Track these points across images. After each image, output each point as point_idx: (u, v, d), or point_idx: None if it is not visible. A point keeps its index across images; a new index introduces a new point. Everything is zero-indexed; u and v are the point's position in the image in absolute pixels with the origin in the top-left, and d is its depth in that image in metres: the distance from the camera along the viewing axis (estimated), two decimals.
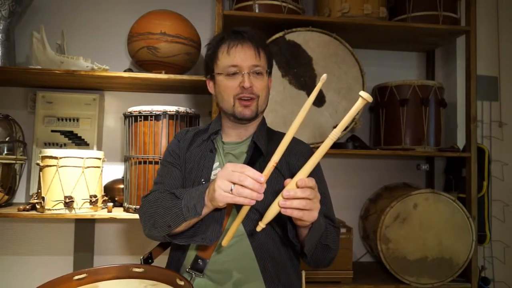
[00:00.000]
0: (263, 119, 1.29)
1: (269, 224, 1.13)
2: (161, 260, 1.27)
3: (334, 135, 0.91)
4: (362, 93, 0.87)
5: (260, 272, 1.12)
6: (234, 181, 0.92)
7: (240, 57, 1.15)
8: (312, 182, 0.93)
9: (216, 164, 1.21)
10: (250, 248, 1.12)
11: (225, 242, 0.99)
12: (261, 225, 0.95)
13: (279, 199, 0.92)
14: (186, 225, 1.06)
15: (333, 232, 1.15)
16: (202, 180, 1.18)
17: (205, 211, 1.02)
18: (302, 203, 0.91)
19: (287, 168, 1.18)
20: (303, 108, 0.94)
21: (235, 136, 1.25)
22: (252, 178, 0.91)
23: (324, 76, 0.91)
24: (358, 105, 0.89)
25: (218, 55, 1.18)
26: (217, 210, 1.05)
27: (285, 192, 0.91)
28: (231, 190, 0.92)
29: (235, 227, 0.98)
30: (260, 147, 1.19)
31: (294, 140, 1.28)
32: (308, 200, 0.92)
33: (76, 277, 0.99)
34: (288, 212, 0.91)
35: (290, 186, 0.92)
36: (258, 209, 1.11)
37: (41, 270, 1.99)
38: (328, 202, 1.23)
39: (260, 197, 0.92)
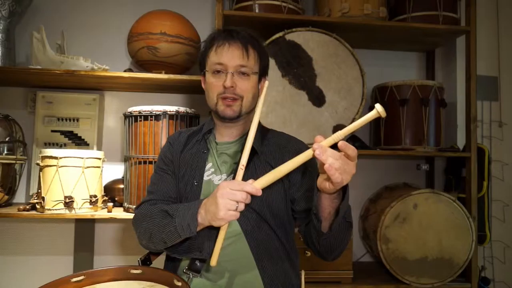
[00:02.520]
0: None
1: (267, 223, 1.13)
2: (159, 261, 1.27)
3: (337, 137, 0.89)
4: (378, 106, 0.86)
5: (258, 271, 1.12)
6: (238, 200, 0.94)
7: (226, 56, 1.14)
8: (354, 152, 0.87)
9: (209, 165, 1.21)
10: (248, 247, 1.12)
11: (213, 262, 1.00)
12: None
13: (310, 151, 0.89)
14: (181, 238, 1.08)
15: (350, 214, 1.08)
16: (195, 182, 1.18)
17: (199, 228, 1.03)
18: (338, 161, 0.85)
19: None
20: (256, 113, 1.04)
21: (228, 136, 1.24)
22: (251, 193, 0.94)
23: (266, 83, 1.07)
24: (369, 116, 0.87)
25: (209, 53, 1.18)
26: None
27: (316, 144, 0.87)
28: (236, 208, 0.95)
29: (219, 244, 0.99)
30: (254, 146, 1.18)
31: (288, 138, 1.28)
32: (346, 161, 0.87)
33: (74, 279, 0.99)
34: (322, 158, 0.85)
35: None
36: (255, 208, 1.11)
37: (41, 270, 1.99)
38: None
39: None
